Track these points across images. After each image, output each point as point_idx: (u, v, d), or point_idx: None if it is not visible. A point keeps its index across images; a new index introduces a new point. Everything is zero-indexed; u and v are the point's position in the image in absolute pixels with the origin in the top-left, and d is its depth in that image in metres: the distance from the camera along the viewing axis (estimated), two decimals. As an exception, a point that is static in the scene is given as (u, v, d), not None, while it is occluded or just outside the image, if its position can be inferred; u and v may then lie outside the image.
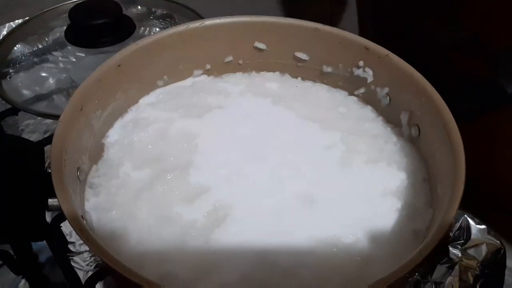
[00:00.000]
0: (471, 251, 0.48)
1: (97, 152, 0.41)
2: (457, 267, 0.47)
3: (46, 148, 0.42)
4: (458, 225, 0.50)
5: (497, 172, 0.50)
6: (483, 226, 0.49)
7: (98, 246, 0.30)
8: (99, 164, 0.41)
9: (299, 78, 0.49)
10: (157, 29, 0.65)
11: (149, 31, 0.64)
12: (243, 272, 0.34)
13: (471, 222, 0.50)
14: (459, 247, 0.49)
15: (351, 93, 0.47)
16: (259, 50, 0.48)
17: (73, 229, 0.31)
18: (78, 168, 0.38)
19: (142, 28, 0.64)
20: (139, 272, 0.29)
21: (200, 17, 0.62)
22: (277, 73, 0.49)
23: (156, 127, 0.43)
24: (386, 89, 0.43)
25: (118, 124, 0.43)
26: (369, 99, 0.46)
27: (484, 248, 0.48)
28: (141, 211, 0.37)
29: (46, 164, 0.43)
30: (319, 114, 0.44)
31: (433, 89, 0.39)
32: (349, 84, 0.46)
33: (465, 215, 0.50)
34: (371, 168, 0.40)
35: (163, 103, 0.45)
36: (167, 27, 0.64)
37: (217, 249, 0.35)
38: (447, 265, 0.48)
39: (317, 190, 0.38)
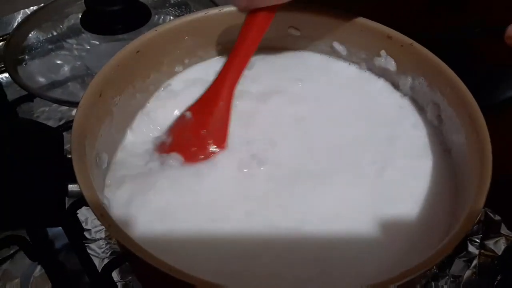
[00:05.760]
0: (490, 245, 0.48)
1: (116, 139, 0.41)
2: (475, 261, 0.47)
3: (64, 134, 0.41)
4: (477, 219, 0.49)
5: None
6: (501, 220, 0.49)
7: (119, 232, 0.30)
8: (119, 151, 0.40)
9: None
10: (172, 17, 0.65)
11: (164, 19, 0.64)
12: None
13: (490, 216, 0.49)
14: (478, 241, 0.48)
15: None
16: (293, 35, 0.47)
17: (95, 214, 0.30)
18: (97, 154, 0.37)
19: (157, 15, 0.64)
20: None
21: (215, 5, 0.62)
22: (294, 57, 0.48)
23: (176, 115, 0.42)
24: (409, 79, 0.43)
25: (137, 110, 0.43)
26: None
27: (503, 242, 0.48)
28: (160, 203, 0.36)
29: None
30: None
31: (459, 79, 0.38)
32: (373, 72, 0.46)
33: (484, 209, 0.49)
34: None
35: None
36: (182, 15, 0.63)
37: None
38: (465, 259, 0.47)
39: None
